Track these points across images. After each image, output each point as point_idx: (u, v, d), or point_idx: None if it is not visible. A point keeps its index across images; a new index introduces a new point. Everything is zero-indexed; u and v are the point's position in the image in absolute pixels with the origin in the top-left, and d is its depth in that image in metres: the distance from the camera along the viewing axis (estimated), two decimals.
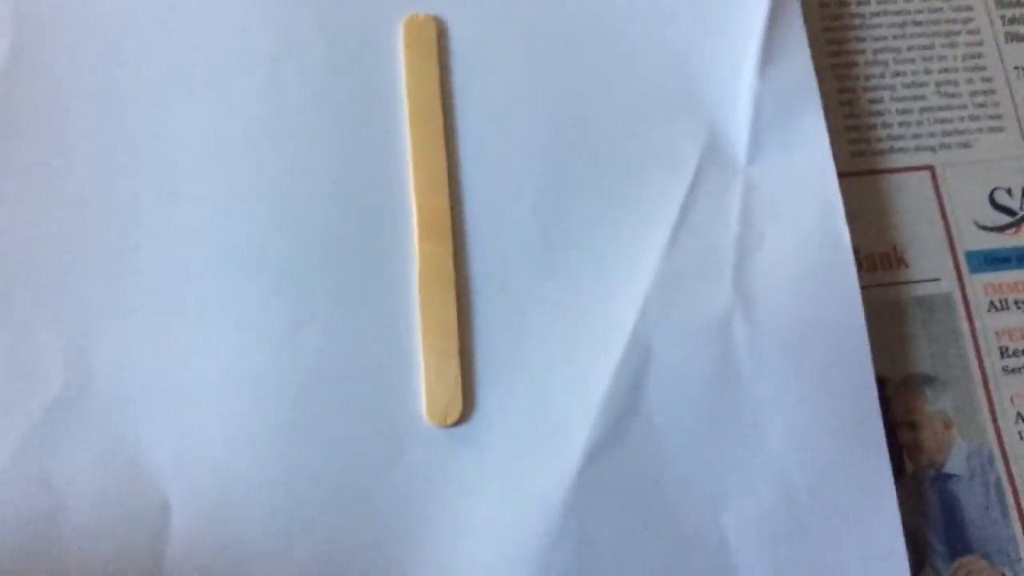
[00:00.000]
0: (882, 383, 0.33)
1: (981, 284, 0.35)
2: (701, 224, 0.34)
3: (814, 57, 0.36)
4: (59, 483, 0.30)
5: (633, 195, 0.34)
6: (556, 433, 0.31)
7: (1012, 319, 0.35)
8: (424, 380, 0.32)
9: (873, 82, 0.37)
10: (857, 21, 0.38)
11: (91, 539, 0.30)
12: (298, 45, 0.35)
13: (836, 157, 0.35)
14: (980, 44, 0.38)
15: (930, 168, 0.37)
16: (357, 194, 0.33)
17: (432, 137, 0.34)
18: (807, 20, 0.36)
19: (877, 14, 0.38)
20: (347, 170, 0.33)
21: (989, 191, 0.36)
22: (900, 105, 0.37)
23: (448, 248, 0.33)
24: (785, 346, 0.32)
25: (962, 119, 0.37)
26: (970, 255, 0.35)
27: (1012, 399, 0.34)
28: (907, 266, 0.35)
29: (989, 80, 0.38)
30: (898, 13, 0.38)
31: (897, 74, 0.38)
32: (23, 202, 0.33)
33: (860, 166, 0.36)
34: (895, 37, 0.38)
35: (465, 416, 0.32)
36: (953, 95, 0.37)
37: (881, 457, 0.32)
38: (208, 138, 0.33)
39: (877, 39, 0.38)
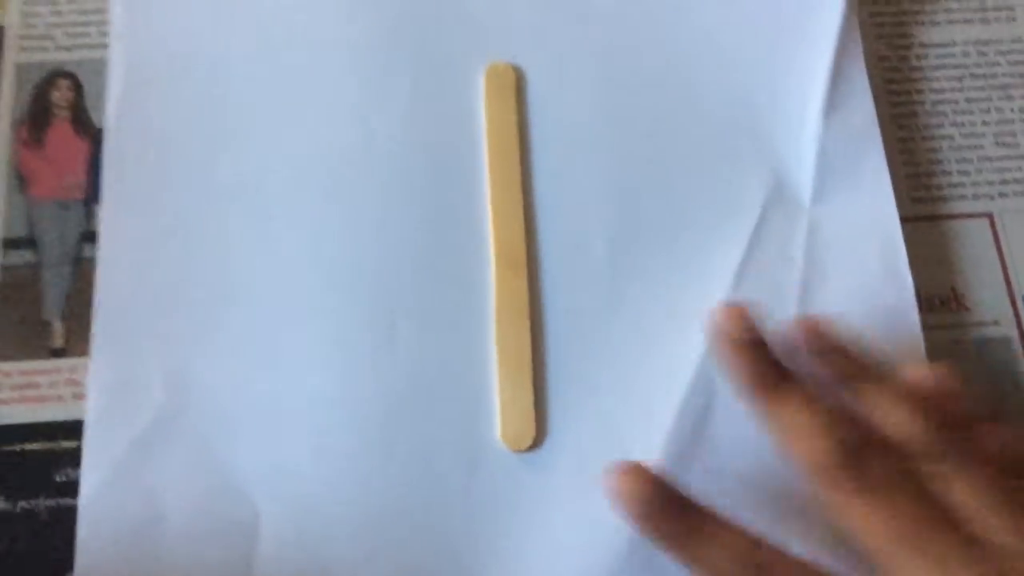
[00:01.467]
0: None
1: None
2: (766, 262, 0.35)
3: (876, 106, 0.37)
4: (158, 494, 0.32)
5: (700, 233, 0.36)
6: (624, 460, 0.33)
7: None
8: (499, 405, 0.33)
9: (932, 132, 0.39)
10: (917, 74, 0.40)
11: (186, 547, 0.32)
12: (388, 89, 0.37)
13: (898, 203, 0.36)
14: None
15: (989, 215, 0.38)
16: (440, 227, 0.35)
17: (510, 176, 0.36)
18: (869, 71, 0.38)
19: (936, 67, 0.40)
20: (431, 205, 0.36)
21: None
22: (959, 155, 0.39)
23: (524, 279, 0.35)
24: None
25: (1020, 168, 0.38)
26: None
27: None
28: (967, 309, 0.36)
29: None
30: (956, 67, 0.40)
31: (956, 124, 0.39)
32: (131, 234, 0.35)
33: (920, 212, 0.38)
34: (953, 89, 0.39)
35: (537, 441, 0.33)
36: (1010, 145, 0.39)
37: None
38: (301, 174, 0.36)
39: (936, 91, 0.39)
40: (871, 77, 0.38)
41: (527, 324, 0.34)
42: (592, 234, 0.36)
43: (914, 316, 0.35)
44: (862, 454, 0.27)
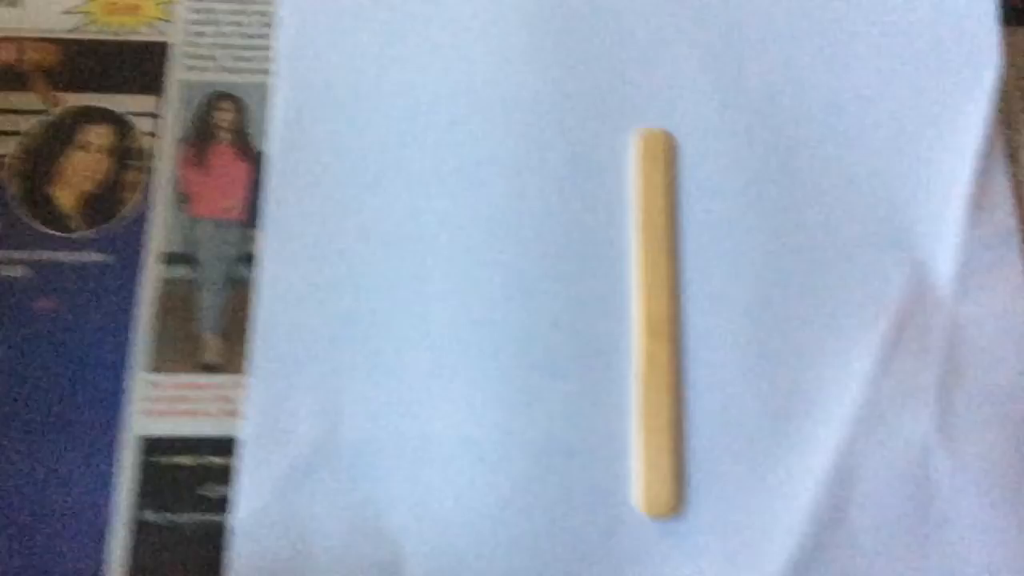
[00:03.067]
0: None
1: None
2: (908, 353, 0.36)
3: (1017, 202, 0.38)
4: (308, 527, 0.33)
5: (842, 317, 0.36)
6: (762, 540, 0.34)
7: None
8: (640, 471, 0.34)
9: None
10: None
11: None
12: (543, 149, 0.38)
13: None
14: None
15: None
16: (586, 289, 0.36)
17: (658, 243, 0.37)
18: (1018, 166, 0.38)
19: None
20: (578, 266, 0.36)
21: None
22: None
23: (667, 347, 0.35)
24: (983, 487, 0.34)
25: None
26: None
27: None
28: None
29: None
30: None
31: None
32: (292, 259, 0.36)
33: None
34: None
35: (675, 509, 0.34)
36: None
37: None
38: (455, 226, 0.37)
39: None
40: (1015, 171, 0.38)
41: (669, 391, 0.35)
42: (736, 307, 0.36)
43: None
44: None
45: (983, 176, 0.38)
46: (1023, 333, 0.36)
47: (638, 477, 0.34)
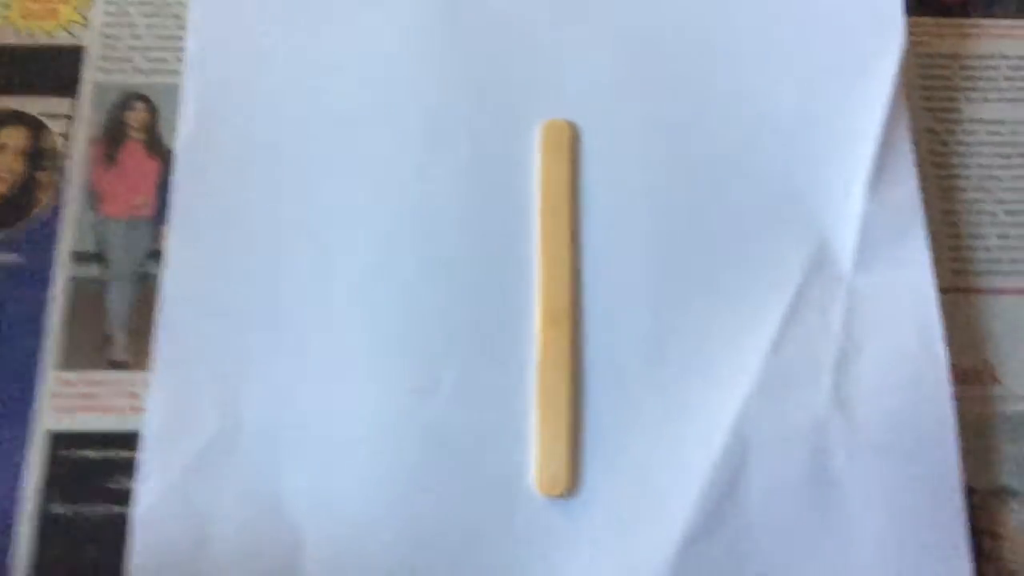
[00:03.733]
0: (969, 492, 0.35)
1: None
2: (804, 330, 0.36)
3: (921, 179, 0.38)
4: (208, 516, 0.34)
5: (741, 297, 0.37)
6: (657, 514, 0.34)
7: None
8: (537, 453, 0.34)
9: (976, 206, 0.40)
10: (964, 148, 0.41)
11: (232, 570, 0.33)
12: (448, 141, 0.38)
13: (937, 274, 0.37)
14: None
15: None
16: (488, 278, 0.37)
17: (560, 232, 0.37)
18: (916, 144, 0.39)
19: (984, 143, 0.41)
20: (481, 255, 0.37)
21: None
22: (1000, 230, 0.39)
23: (567, 332, 0.36)
24: (879, 452, 0.35)
25: None
26: None
27: None
28: (999, 383, 0.37)
29: None
30: (1004, 144, 0.41)
31: (1000, 201, 0.40)
32: (195, 257, 0.37)
33: (960, 284, 0.39)
34: (1000, 166, 0.40)
35: (571, 489, 0.34)
36: None
37: (964, 565, 0.33)
38: (359, 216, 0.37)
39: (983, 167, 0.40)
40: (919, 149, 0.39)
41: (567, 375, 0.35)
42: (636, 292, 0.37)
43: (946, 390, 0.36)
44: None
45: (887, 150, 0.38)
46: (924, 302, 0.37)
47: (535, 459, 0.34)
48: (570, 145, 0.38)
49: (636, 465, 0.35)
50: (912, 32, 0.42)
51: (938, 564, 0.33)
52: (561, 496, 0.34)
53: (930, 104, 0.41)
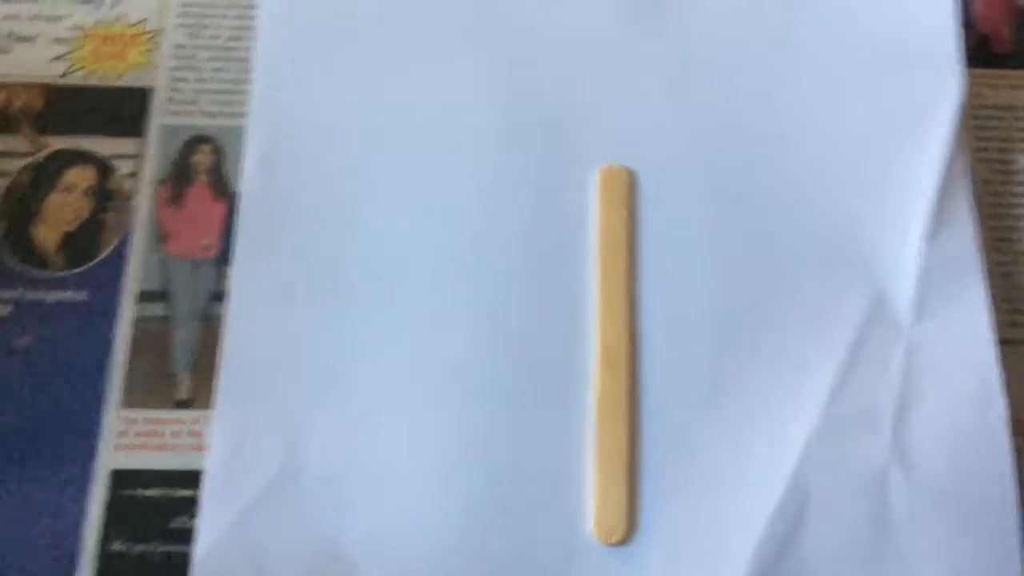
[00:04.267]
0: None
1: None
2: (863, 380, 0.36)
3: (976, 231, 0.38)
4: (268, 555, 0.34)
5: (799, 345, 0.37)
6: (715, 566, 0.34)
7: None
8: (594, 498, 0.35)
9: None
10: (1017, 200, 0.41)
11: None
12: (505, 186, 0.39)
13: (994, 326, 0.37)
14: None
15: None
16: (547, 321, 0.37)
17: (618, 277, 0.37)
18: (977, 191, 0.39)
19: None
20: (540, 301, 0.37)
21: None
22: None
23: (624, 377, 0.36)
24: (938, 505, 0.35)
25: None
26: None
27: None
28: None
29: None
30: None
31: None
32: (258, 297, 0.37)
33: (1016, 336, 0.39)
34: None
35: (628, 536, 0.34)
36: None
37: None
38: (421, 259, 0.38)
39: None
40: (976, 202, 0.39)
41: (624, 419, 0.36)
42: (694, 338, 0.37)
43: (1004, 440, 0.36)
44: None
45: (945, 199, 0.38)
46: (982, 352, 0.37)
47: (592, 504, 0.35)
48: (626, 190, 0.39)
49: (693, 512, 0.35)
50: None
51: None
52: (619, 544, 0.34)
53: (985, 155, 0.41)
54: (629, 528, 0.34)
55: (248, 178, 0.39)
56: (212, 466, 0.35)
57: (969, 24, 0.43)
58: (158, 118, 0.41)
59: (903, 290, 0.37)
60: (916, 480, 0.35)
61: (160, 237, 0.39)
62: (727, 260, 0.38)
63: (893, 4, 0.42)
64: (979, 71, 0.43)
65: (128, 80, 0.41)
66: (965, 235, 0.38)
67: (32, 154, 0.40)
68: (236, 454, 0.35)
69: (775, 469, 0.35)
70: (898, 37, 0.41)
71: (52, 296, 0.38)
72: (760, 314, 0.37)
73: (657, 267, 0.38)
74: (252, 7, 0.42)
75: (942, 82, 0.40)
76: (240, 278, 0.37)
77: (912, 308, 0.37)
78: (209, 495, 0.35)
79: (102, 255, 0.38)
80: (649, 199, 0.39)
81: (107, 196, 0.39)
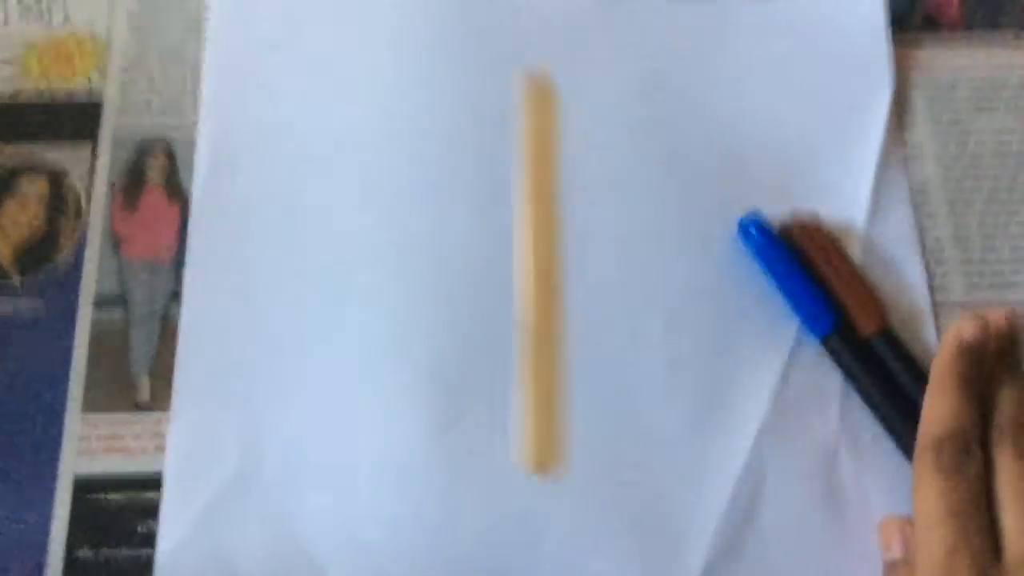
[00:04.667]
0: None
1: None
2: (810, 364, 0.37)
3: (935, 195, 0.39)
4: (231, 554, 0.34)
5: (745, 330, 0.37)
6: (677, 544, 0.34)
7: None
8: (523, 428, 0.35)
9: (988, 220, 0.40)
10: (974, 168, 0.41)
11: None
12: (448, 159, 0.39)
13: (952, 289, 0.38)
14: None
15: None
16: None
17: (544, 196, 0.38)
18: (931, 159, 0.40)
19: (996, 154, 0.41)
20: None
21: None
22: (1012, 243, 0.40)
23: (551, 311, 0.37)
24: (888, 479, 0.35)
25: None
26: None
27: None
28: None
29: None
30: (1013, 155, 0.41)
31: (1011, 213, 0.40)
32: (212, 297, 0.37)
33: (976, 297, 0.39)
34: (1011, 178, 0.41)
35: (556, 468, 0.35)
36: None
37: None
38: (371, 250, 0.38)
39: (995, 179, 0.41)
40: (932, 165, 0.40)
41: (552, 355, 0.36)
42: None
43: None
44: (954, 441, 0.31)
45: (882, 187, 0.39)
46: (918, 315, 0.38)
47: (522, 436, 0.35)
48: (551, 102, 0.39)
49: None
50: (916, 52, 0.42)
51: None
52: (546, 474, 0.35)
53: (939, 127, 0.42)
54: (556, 460, 0.35)
55: (199, 179, 0.39)
56: (171, 467, 0.35)
57: (915, 5, 0.43)
58: (109, 124, 0.41)
59: None
60: (864, 456, 0.36)
61: (116, 241, 0.39)
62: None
63: (827, 5, 0.42)
64: (925, 36, 0.43)
65: (78, 88, 0.41)
66: (903, 214, 0.39)
67: None
68: (194, 454, 0.35)
69: (731, 453, 0.36)
70: (833, 37, 0.42)
71: (7, 305, 0.38)
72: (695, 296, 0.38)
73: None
74: (199, 13, 0.42)
75: (875, 72, 0.41)
76: (193, 279, 0.37)
77: None
78: (168, 497, 0.35)
79: (58, 261, 0.38)
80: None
81: (61, 203, 0.39)
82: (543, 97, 0.39)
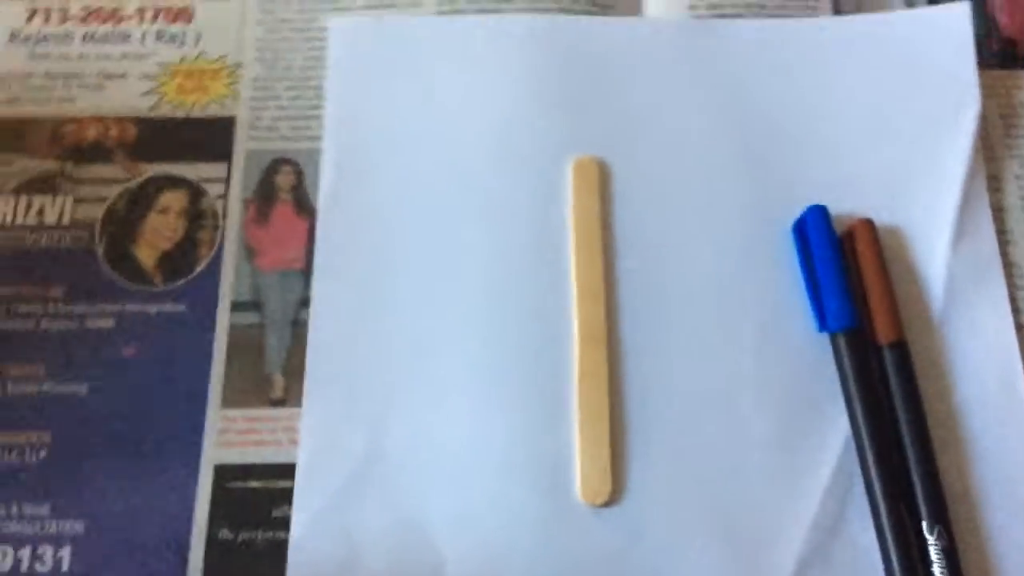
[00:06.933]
0: None
1: None
2: None
3: (1011, 222, 0.42)
4: (357, 537, 0.37)
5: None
6: (767, 551, 0.37)
7: None
8: (579, 465, 0.38)
9: None
10: None
11: None
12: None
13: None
14: None
15: None
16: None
17: (593, 259, 0.41)
18: (1010, 188, 0.43)
19: None
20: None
21: None
22: None
23: (604, 351, 0.39)
24: (963, 476, 0.38)
25: None
26: None
27: None
28: None
29: None
30: None
31: None
32: (338, 301, 0.41)
33: None
34: None
35: (614, 498, 0.38)
36: None
37: None
38: (475, 260, 0.41)
39: None
40: (1010, 198, 0.42)
41: (605, 391, 0.39)
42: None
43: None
44: None
45: (966, 206, 0.41)
46: (1005, 346, 0.40)
47: (579, 470, 0.38)
48: (599, 180, 0.42)
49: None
50: (996, 84, 0.44)
51: None
52: (604, 505, 0.37)
53: (1018, 151, 0.44)
54: (614, 491, 0.37)
55: (324, 194, 0.42)
56: (303, 457, 0.38)
57: (991, 32, 0.46)
58: (242, 143, 0.44)
59: (933, 293, 0.40)
60: (952, 462, 0.38)
61: (250, 252, 0.42)
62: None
63: (915, 26, 0.44)
64: (1004, 72, 0.45)
65: (212, 110, 0.45)
66: (986, 237, 0.41)
67: (127, 180, 0.43)
68: (324, 445, 0.38)
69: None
70: (921, 57, 0.44)
71: (153, 308, 0.41)
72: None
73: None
74: (322, 39, 0.46)
75: (962, 95, 0.43)
76: (320, 285, 0.41)
77: (941, 310, 0.40)
78: (301, 483, 0.38)
79: (197, 270, 0.42)
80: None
81: (199, 216, 0.43)
82: (592, 175, 0.43)
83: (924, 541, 0.36)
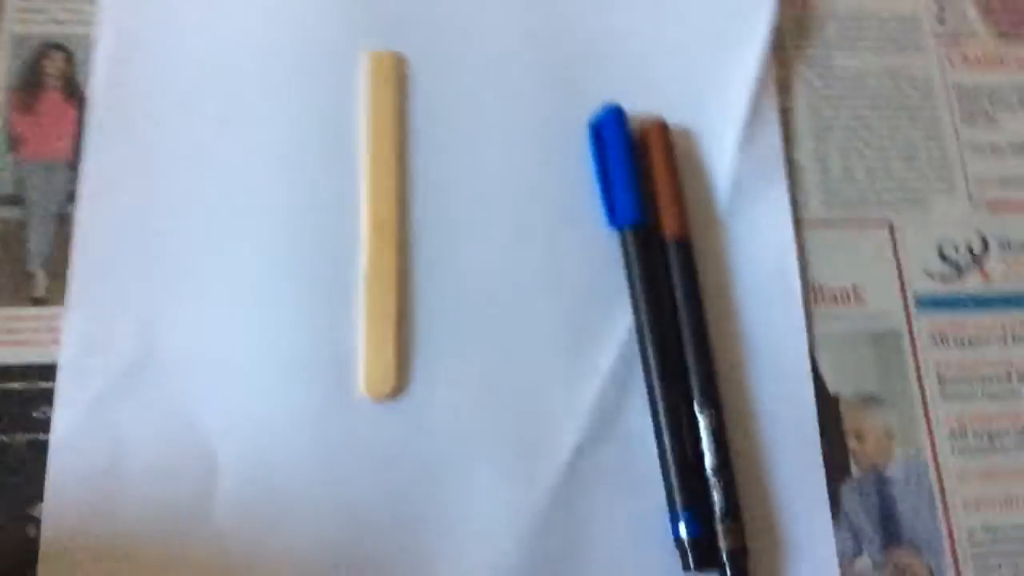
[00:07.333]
0: (836, 400, 0.39)
1: (926, 322, 0.41)
2: None
3: (801, 123, 0.43)
4: (124, 437, 0.36)
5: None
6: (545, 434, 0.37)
7: (950, 353, 0.40)
8: (364, 358, 0.37)
9: (846, 145, 0.43)
10: (836, 99, 0.44)
11: (148, 488, 0.35)
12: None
13: (809, 207, 0.42)
14: (937, 122, 0.44)
15: (889, 223, 0.42)
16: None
17: (386, 155, 0.40)
18: (795, 94, 0.43)
19: (854, 91, 0.44)
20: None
21: (938, 245, 0.42)
22: (867, 164, 0.43)
23: (392, 245, 0.39)
24: (738, 363, 0.39)
25: (917, 182, 0.43)
26: (918, 298, 0.41)
27: (945, 419, 0.39)
28: (864, 303, 0.41)
29: (943, 152, 0.44)
30: (871, 95, 0.45)
31: (866, 142, 0.44)
32: (108, 195, 0.38)
33: (831, 215, 0.42)
34: (869, 108, 0.44)
35: (397, 392, 0.37)
36: (912, 159, 0.43)
37: (816, 462, 0.38)
38: (246, 160, 0.40)
39: (854, 107, 0.44)
40: (797, 100, 0.43)
41: (393, 284, 0.38)
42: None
43: (799, 311, 0.40)
44: None
45: (755, 108, 0.42)
46: (782, 239, 0.41)
47: (363, 363, 0.37)
48: (396, 75, 0.41)
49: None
50: None
51: (795, 463, 0.38)
52: (387, 399, 0.37)
53: (808, 59, 0.45)
54: (398, 385, 0.37)
55: (96, 82, 0.40)
56: (65, 356, 0.36)
57: None
58: (8, 27, 0.41)
59: (719, 194, 0.41)
60: (722, 340, 0.39)
61: (13, 141, 0.39)
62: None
63: None
64: None
65: None
66: (773, 143, 0.42)
67: None
68: (89, 344, 0.36)
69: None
70: None
71: None
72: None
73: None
74: None
75: (758, 1, 0.43)
76: (89, 178, 0.39)
77: (726, 203, 0.41)
78: (63, 384, 0.36)
79: None
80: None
81: None
82: (389, 70, 0.41)
83: (696, 423, 0.37)
